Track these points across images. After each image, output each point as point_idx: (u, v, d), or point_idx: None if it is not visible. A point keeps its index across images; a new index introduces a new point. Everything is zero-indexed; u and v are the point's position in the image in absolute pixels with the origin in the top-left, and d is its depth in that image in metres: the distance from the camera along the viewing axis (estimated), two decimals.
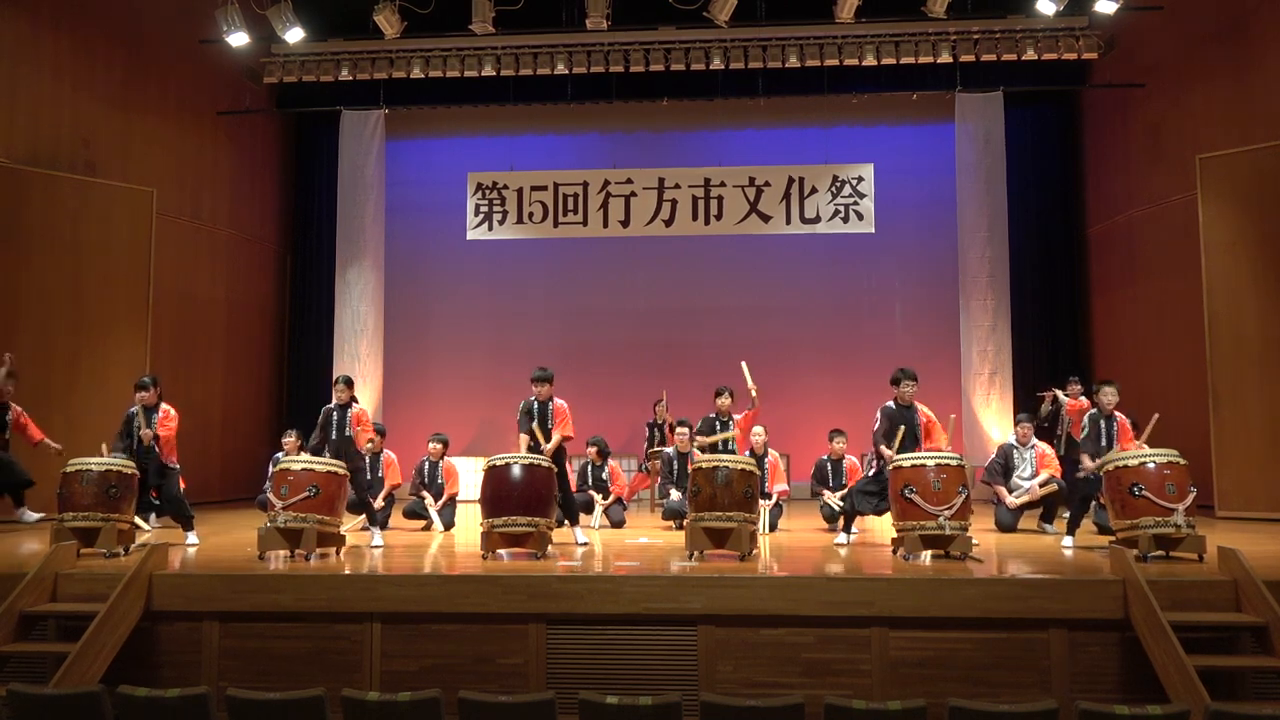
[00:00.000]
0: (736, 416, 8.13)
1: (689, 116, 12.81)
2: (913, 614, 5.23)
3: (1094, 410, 6.86)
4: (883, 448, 6.75)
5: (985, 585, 5.33)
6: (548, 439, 7.00)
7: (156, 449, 6.95)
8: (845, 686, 5.13)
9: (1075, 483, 6.98)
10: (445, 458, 8.86)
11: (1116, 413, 6.83)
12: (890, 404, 6.94)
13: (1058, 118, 12.55)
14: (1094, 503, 7.03)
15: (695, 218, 12.82)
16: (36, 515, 8.23)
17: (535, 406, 7.14)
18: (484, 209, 13.06)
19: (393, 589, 5.50)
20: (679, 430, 8.84)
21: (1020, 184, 12.22)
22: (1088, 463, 6.57)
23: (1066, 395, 9.11)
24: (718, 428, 8.01)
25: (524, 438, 7.05)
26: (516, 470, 6.41)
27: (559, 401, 7.15)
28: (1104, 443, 6.69)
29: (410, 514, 8.69)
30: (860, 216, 12.65)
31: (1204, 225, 9.41)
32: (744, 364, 7.98)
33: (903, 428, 6.75)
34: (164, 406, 7.13)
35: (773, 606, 5.31)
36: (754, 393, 7.93)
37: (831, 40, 11.34)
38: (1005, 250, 12.00)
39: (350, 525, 7.45)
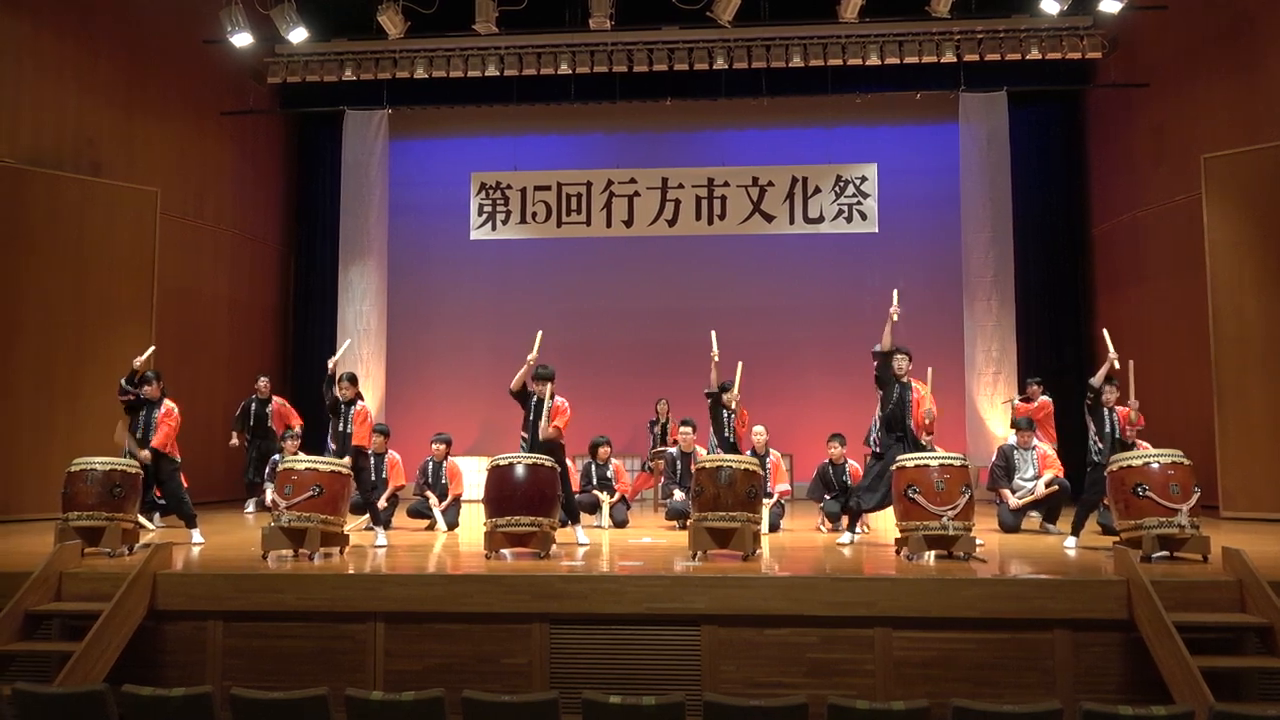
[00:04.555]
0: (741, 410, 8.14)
1: (692, 116, 12.80)
2: (916, 614, 5.23)
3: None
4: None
5: (989, 586, 5.33)
6: (540, 436, 7.03)
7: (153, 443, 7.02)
8: (849, 687, 5.13)
9: (1089, 484, 6.98)
10: (449, 458, 8.87)
11: (1116, 406, 6.95)
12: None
13: (1062, 117, 12.53)
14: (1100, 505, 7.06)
15: (699, 218, 12.82)
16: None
17: (533, 403, 7.15)
18: (487, 209, 13.07)
19: (396, 589, 5.50)
20: (683, 430, 8.84)
21: (1024, 184, 12.20)
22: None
23: (1021, 400, 9.44)
24: (725, 418, 8.00)
25: (530, 360, 7.10)
26: (520, 470, 6.41)
27: (559, 400, 7.16)
28: (1108, 429, 6.81)
29: (414, 514, 8.70)
30: (864, 216, 12.65)
31: (1208, 225, 9.39)
32: (713, 333, 8.17)
33: (896, 394, 6.90)
34: (166, 403, 7.18)
35: (776, 606, 5.31)
36: (715, 358, 8.08)
37: (835, 40, 11.32)
38: (1009, 250, 12.00)
39: (354, 525, 7.45)
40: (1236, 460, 9.06)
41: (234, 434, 10.01)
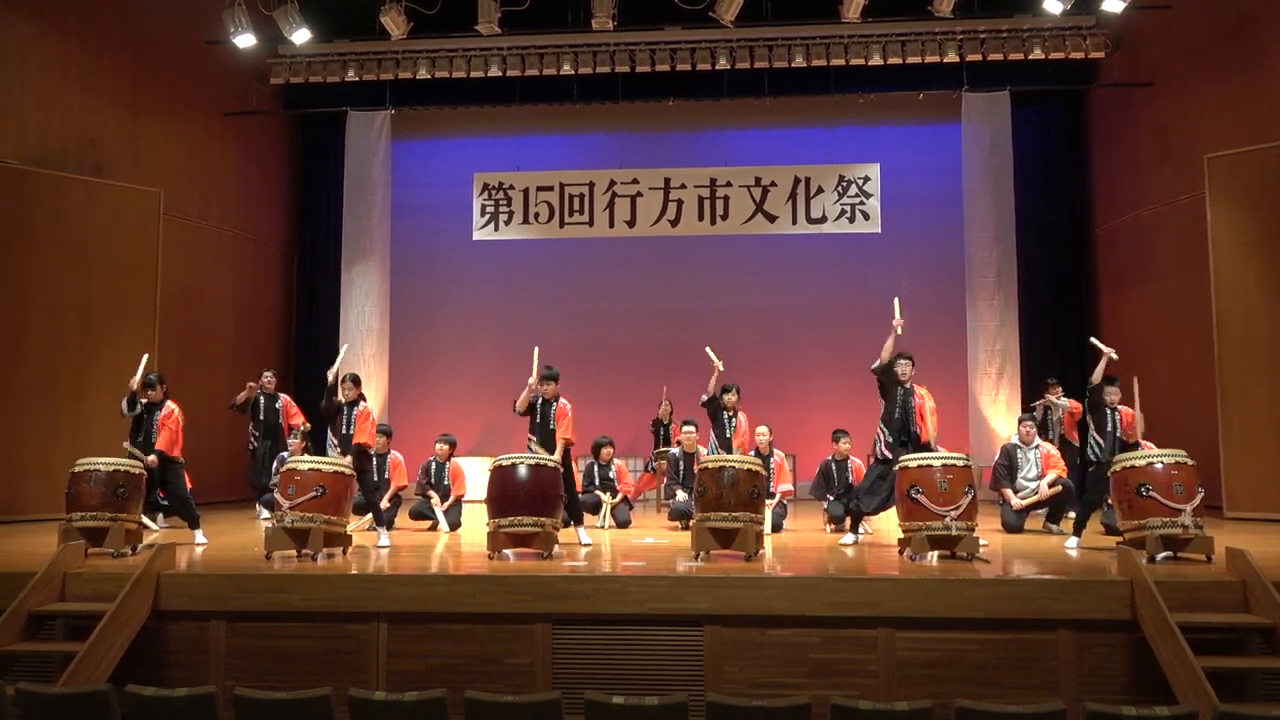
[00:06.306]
0: (743, 415, 8.12)
1: (695, 116, 12.81)
2: (919, 615, 5.22)
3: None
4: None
5: (992, 586, 5.32)
6: (549, 439, 7.01)
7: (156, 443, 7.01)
8: (852, 687, 5.12)
9: (1091, 484, 6.97)
10: (452, 458, 8.87)
11: (1120, 405, 6.95)
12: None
13: (1065, 117, 12.52)
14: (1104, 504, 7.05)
15: (701, 218, 12.82)
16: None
17: (539, 404, 7.14)
18: (490, 209, 13.08)
19: (399, 589, 5.50)
20: (685, 430, 8.83)
21: (1027, 183, 12.19)
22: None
23: (1059, 401, 9.33)
24: (725, 421, 8.01)
25: (531, 384, 7.04)
26: (523, 470, 6.42)
27: (562, 402, 7.16)
28: (1110, 427, 6.85)
29: (417, 515, 8.71)
30: (866, 216, 12.64)
31: (1212, 224, 9.38)
32: (708, 348, 8.10)
33: (899, 399, 6.85)
34: (168, 404, 7.17)
35: (779, 607, 5.31)
36: (718, 365, 7.99)
37: (837, 40, 11.32)
38: (1012, 250, 12.00)
39: (356, 525, 7.46)
40: (1240, 460, 9.04)
41: (251, 437, 9.50)
